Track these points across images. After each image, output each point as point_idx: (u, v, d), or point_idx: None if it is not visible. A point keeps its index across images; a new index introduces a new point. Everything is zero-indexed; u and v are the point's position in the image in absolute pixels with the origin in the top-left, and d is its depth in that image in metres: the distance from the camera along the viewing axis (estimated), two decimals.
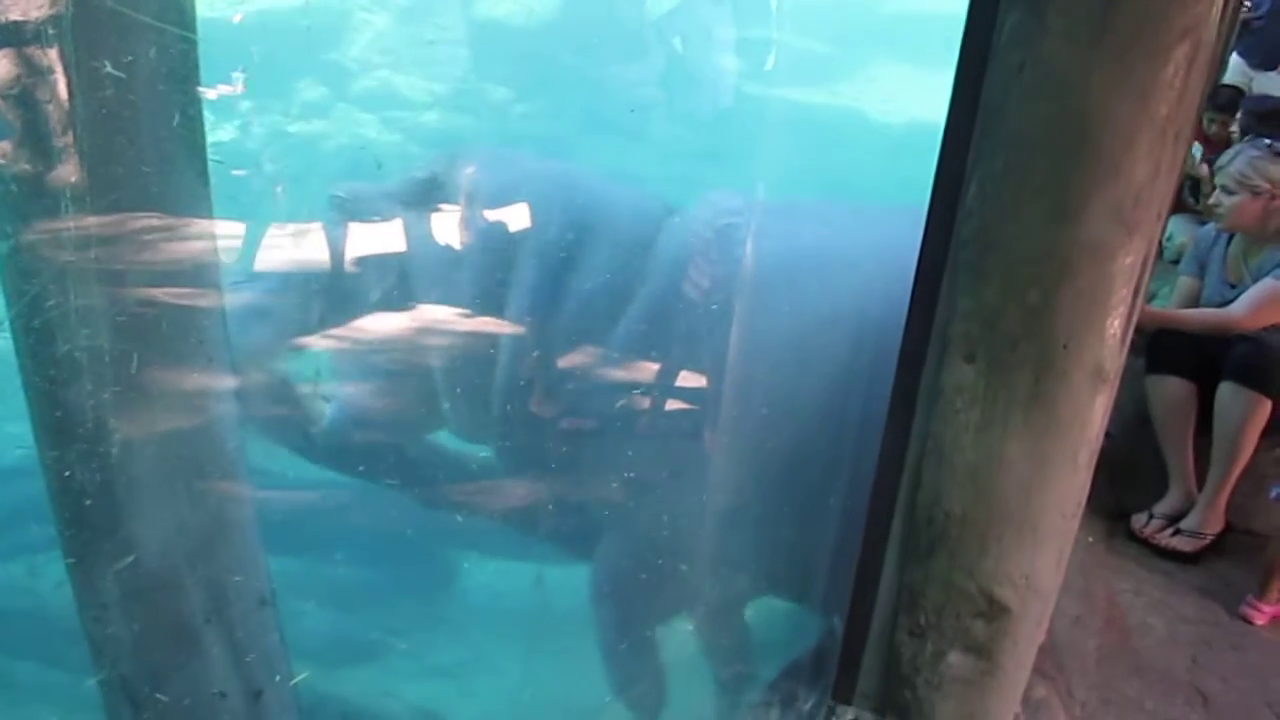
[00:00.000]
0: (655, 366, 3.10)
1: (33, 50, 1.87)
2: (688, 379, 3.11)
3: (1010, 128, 1.87)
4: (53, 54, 1.88)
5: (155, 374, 2.14)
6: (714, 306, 3.05)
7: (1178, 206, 5.01)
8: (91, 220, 1.98)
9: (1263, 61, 5.76)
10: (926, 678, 2.29)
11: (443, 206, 3.23)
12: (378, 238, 3.24)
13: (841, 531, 2.76)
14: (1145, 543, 3.72)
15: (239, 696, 2.45)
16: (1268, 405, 3.50)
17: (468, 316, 3.16)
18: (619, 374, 3.10)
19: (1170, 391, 3.75)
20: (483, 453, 3.50)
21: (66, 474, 2.12)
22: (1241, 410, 3.50)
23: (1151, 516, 3.78)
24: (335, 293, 3.27)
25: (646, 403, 3.12)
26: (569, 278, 3.12)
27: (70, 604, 2.29)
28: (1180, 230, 5.04)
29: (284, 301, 3.28)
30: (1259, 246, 3.75)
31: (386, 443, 3.43)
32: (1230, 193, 3.70)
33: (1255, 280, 3.69)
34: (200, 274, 2.22)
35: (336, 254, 3.27)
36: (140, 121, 2.01)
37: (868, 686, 2.41)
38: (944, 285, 2.03)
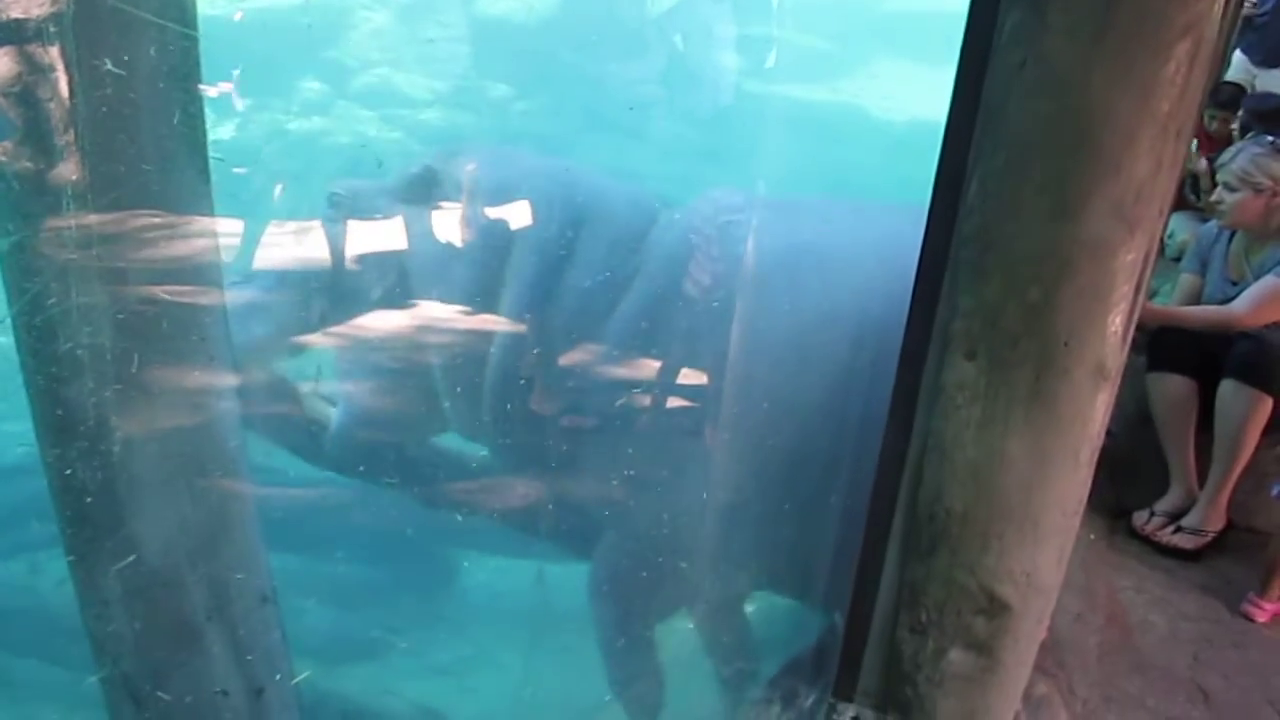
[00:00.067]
0: (656, 364, 3.10)
1: (34, 48, 1.87)
2: (688, 376, 3.11)
3: (1011, 125, 1.87)
4: (54, 52, 1.88)
5: (156, 372, 2.14)
6: (715, 304, 3.05)
7: (1179, 204, 5.01)
8: (93, 218, 1.98)
9: (1266, 59, 5.77)
10: (928, 675, 2.29)
11: (440, 203, 3.23)
12: (375, 235, 3.24)
13: (842, 529, 2.76)
14: (1146, 540, 3.72)
15: (240, 694, 2.45)
16: (1269, 403, 3.50)
17: (465, 314, 3.15)
18: (619, 371, 3.09)
19: (1171, 389, 3.75)
20: (482, 451, 3.50)
21: (68, 472, 2.12)
22: (1243, 408, 3.50)
23: (1153, 514, 3.78)
24: (333, 291, 3.27)
25: (647, 400, 3.12)
26: (567, 274, 3.12)
27: (72, 602, 2.29)
28: (1182, 227, 5.04)
29: (282, 300, 3.28)
30: (1261, 244, 3.75)
31: (392, 444, 3.43)
32: (1232, 190, 3.69)
33: (1257, 278, 3.69)
34: (201, 272, 2.22)
35: (335, 252, 3.27)
36: (141, 119, 2.01)
37: (869, 684, 2.41)
38: (945, 283, 2.03)
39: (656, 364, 3.10)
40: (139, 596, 2.25)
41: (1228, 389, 3.54)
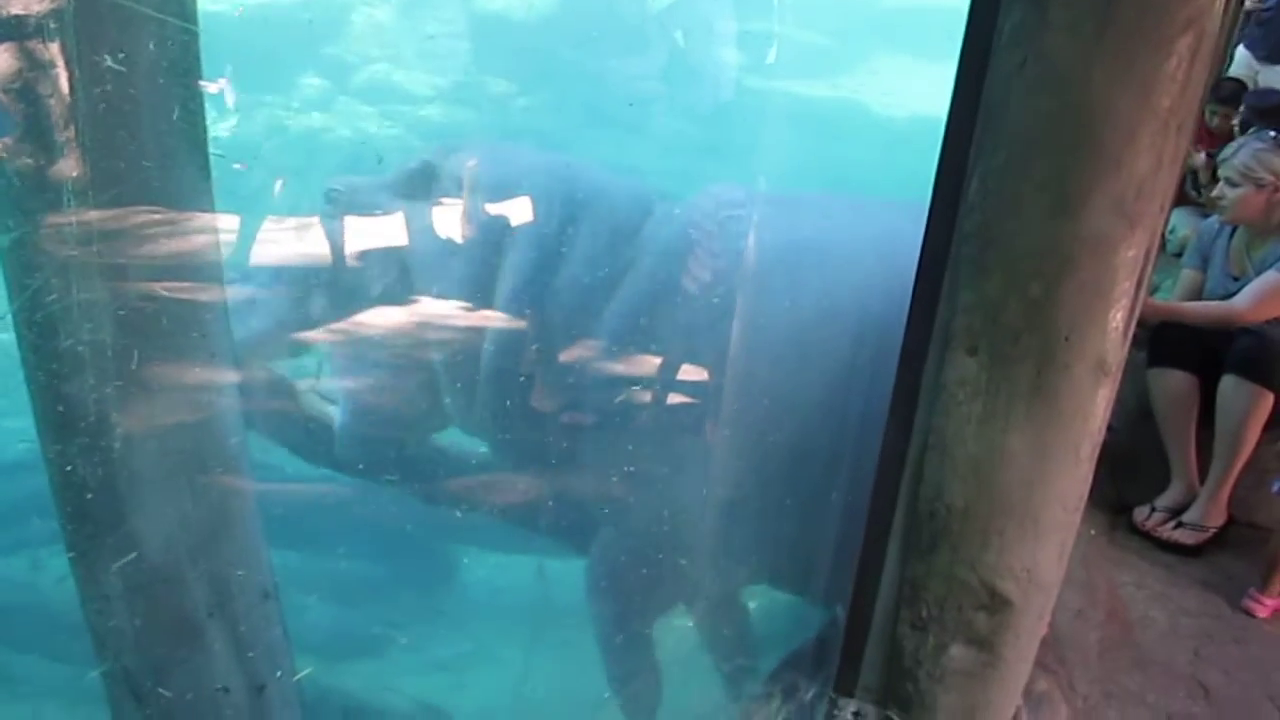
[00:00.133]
0: (656, 360, 3.10)
1: (34, 44, 1.87)
2: (689, 373, 3.11)
3: (1012, 122, 1.87)
4: (54, 48, 1.88)
5: (157, 368, 2.14)
6: (715, 300, 3.04)
7: (1180, 199, 5.00)
8: (93, 214, 1.98)
9: (1269, 54, 5.75)
10: (928, 670, 2.29)
11: (437, 199, 3.22)
12: (373, 231, 3.24)
13: (843, 525, 2.76)
14: (1147, 536, 3.72)
15: (242, 690, 2.45)
16: (1270, 398, 3.49)
17: (464, 309, 3.15)
18: (620, 367, 3.09)
19: (1172, 384, 3.75)
20: (483, 448, 3.50)
21: (69, 468, 2.12)
22: (1244, 403, 3.50)
23: (1153, 509, 3.77)
24: (332, 287, 3.27)
25: (647, 396, 3.12)
26: (566, 269, 3.11)
27: (73, 598, 2.30)
28: (1183, 223, 5.03)
29: (280, 296, 3.28)
30: (1262, 239, 3.74)
31: (393, 441, 3.43)
32: (1234, 185, 3.69)
33: (1258, 273, 3.68)
34: (202, 268, 2.22)
35: (333, 248, 3.26)
36: (141, 115, 2.01)
37: (870, 679, 2.42)
38: (946, 279, 2.03)
39: (657, 360, 3.10)
40: (140, 593, 2.26)
41: (1229, 384, 3.54)
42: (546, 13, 12.44)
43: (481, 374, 3.18)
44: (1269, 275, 3.62)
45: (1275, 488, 3.39)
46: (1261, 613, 3.32)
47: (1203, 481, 3.71)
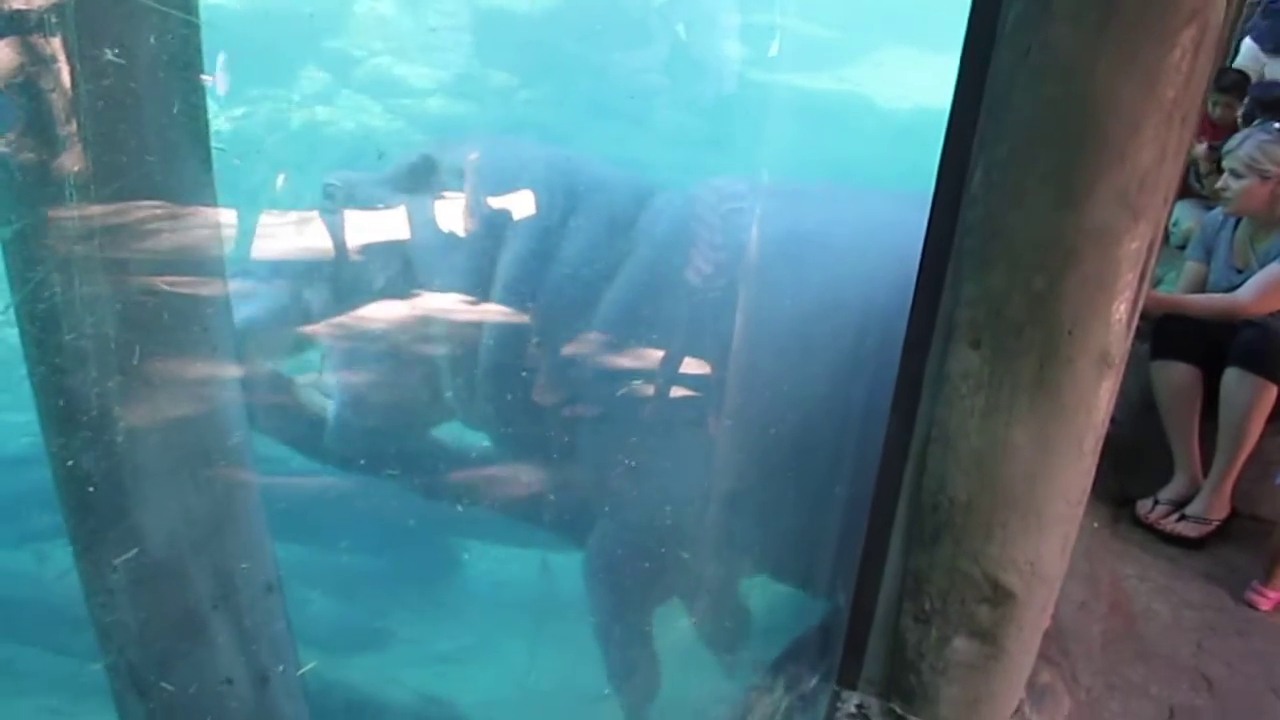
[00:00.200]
0: (659, 353, 3.10)
1: (35, 38, 1.86)
2: (692, 365, 3.11)
3: (1015, 114, 1.86)
4: (55, 42, 1.87)
5: (160, 362, 2.14)
6: (718, 292, 3.04)
7: (1184, 191, 4.99)
8: (95, 208, 1.98)
9: (1277, 47, 5.72)
10: (931, 663, 2.29)
11: (436, 192, 3.22)
12: (372, 226, 3.24)
13: (846, 518, 2.76)
14: (1150, 528, 3.72)
15: (245, 683, 2.45)
16: (1273, 391, 3.49)
17: (464, 303, 3.15)
18: (622, 360, 3.09)
19: (1176, 377, 3.74)
20: (484, 441, 3.50)
21: (71, 462, 2.12)
22: (1247, 396, 3.50)
23: (1157, 502, 3.77)
24: (331, 282, 3.27)
25: (649, 389, 3.12)
26: (565, 262, 3.11)
27: (76, 591, 2.30)
28: (1186, 215, 5.02)
29: (279, 291, 3.28)
30: (1266, 231, 3.74)
31: (393, 436, 3.43)
32: (1238, 177, 3.68)
33: (1262, 265, 3.68)
34: (204, 262, 2.22)
35: (332, 243, 3.26)
36: (143, 109, 2.00)
37: (873, 672, 2.42)
38: (949, 271, 2.03)
39: (659, 353, 3.10)
40: (143, 586, 2.26)
41: (1232, 377, 3.53)
42: (549, 5, 12.43)
43: (481, 367, 3.18)
44: (1273, 267, 3.61)
45: (1279, 480, 3.39)
46: (1265, 605, 3.32)
47: (1206, 474, 3.70)
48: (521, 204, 3.15)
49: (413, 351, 3.23)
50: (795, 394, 2.97)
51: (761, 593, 3.65)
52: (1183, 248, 4.60)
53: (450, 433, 3.53)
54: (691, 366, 3.10)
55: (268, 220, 3.28)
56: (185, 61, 2.06)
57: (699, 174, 3.48)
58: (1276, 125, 3.76)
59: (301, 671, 2.66)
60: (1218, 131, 5.14)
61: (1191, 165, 5.20)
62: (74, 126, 1.92)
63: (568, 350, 3.11)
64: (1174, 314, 3.78)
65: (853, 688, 2.45)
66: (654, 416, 3.13)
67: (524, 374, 3.13)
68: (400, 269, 3.22)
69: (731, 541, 3.22)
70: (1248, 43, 5.86)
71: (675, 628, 3.55)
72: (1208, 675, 2.97)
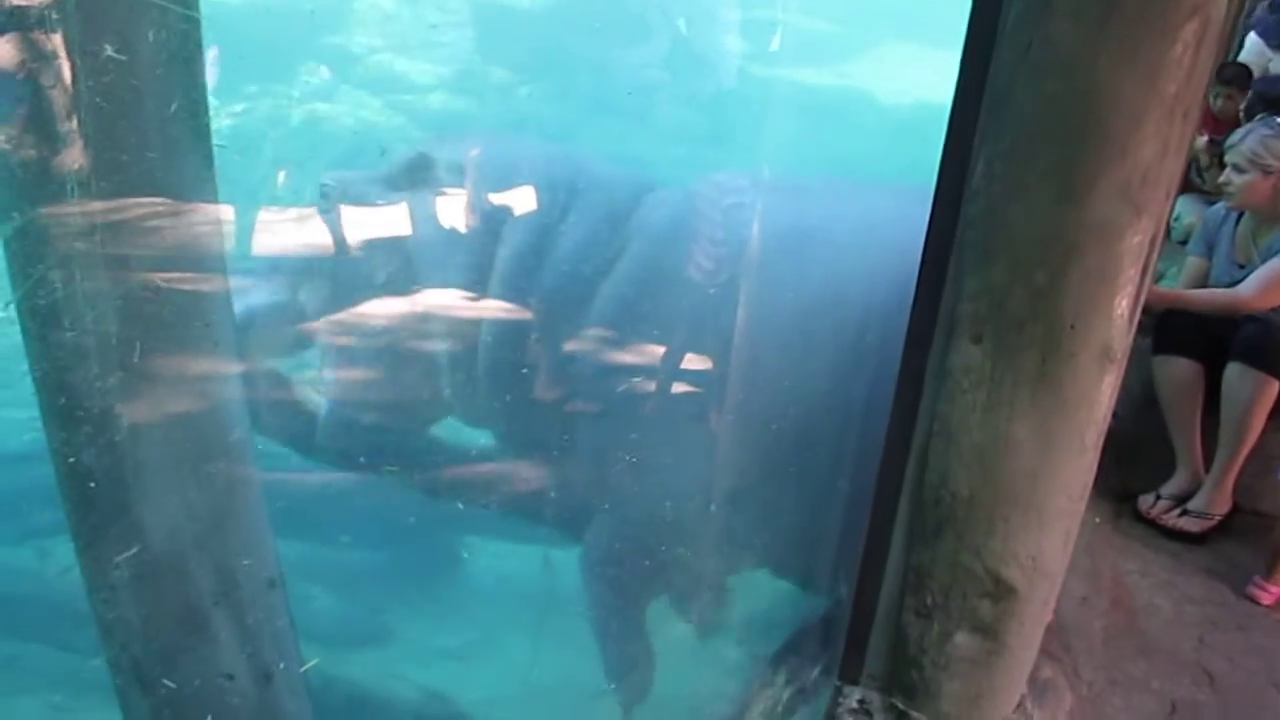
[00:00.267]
0: (660, 349, 3.09)
1: (36, 35, 1.86)
2: (693, 361, 3.11)
3: (1017, 108, 1.86)
4: (56, 38, 1.87)
5: (161, 358, 2.14)
6: (719, 288, 3.04)
7: (1186, 186, 4.99)
8: (96, 205, 1.98)
9: None
10: (933, 658, 2.29)
11: (432, 189, 3.22)
12: (369, 223, 3.23)
13: (848, 513, 2.76)
14: (1152, 523, 3.72)
15: (248, 679, 2.46)
16: (1275, 386, 3.49)
17: (463, 299, 3.15)
18: (623, 356, 3.09)
19: (1177, 372, 3.74)
20: (483, 438, 3.49)
21: (73, 458, 2.13)
22: (1249, 391, 3.49)
23: (1158, 497, 3.77)
24: (329, 280, 3.27)
25: (651, 385, 3.11)
26: (564, 258, 3.11)
27: (78, 587, 2.30)
28: (1188, 210, 5.02)
29: (277, 289, 3.28)
30: (1268, 226, 3.73)
31: (384, 435, 3.42)
32: (1241, 171, 3.68)
33: (1264, 260, 3.68)
34: (205, 258, 2.22)
35: (330, 242, 3.26)
36: (144, 105, 2.00)
37: (875, 667, 2.42)
38: (951, 266, 2.02)
39: (660, 349, 3.09)
40: (145, 582, 2.26)
41: (1234, 372, 3.53)
42: (549, 1, 12.42)
43: (480, 364, 3.18)
44: (1275, 262, 3.61)
45: None
46: (1266, 600, 3.32)
47: (1208, 469, 3.70)
48: (520, 200, 3.15)
49: (411, 348, 3.23)
50: (796, 389, 2.96)
51: (765, 588, 3.65)
52: (1184, 243, 4.60)
53: (450, 430, 3.53)
54: (692, 362, 3.10)
55: (268, 216, 3.28)
56: (186, 58, 2.06)
57: (700, 169, 3.47)
58: (1278, 120, 3.76)
59: (304, 668, 2.67)
60: (1219, 125, 5.13)
61: (1193, 160, 5.20)
62: (75, 123, 1.92)
63: (568, 347, 3.11)
64: (1176, 309, 3.78)
65: (855, 682, 2.45)
66: (655, 412, 3.13)
67: (524, 371, 3.13)
68: (396, 266, 3.21)
69: (735, 537, 3.22)
70: (1252, 37, 5.85)
71: (676, 623, 3.55)
72: (1209, 670, 2.98)
